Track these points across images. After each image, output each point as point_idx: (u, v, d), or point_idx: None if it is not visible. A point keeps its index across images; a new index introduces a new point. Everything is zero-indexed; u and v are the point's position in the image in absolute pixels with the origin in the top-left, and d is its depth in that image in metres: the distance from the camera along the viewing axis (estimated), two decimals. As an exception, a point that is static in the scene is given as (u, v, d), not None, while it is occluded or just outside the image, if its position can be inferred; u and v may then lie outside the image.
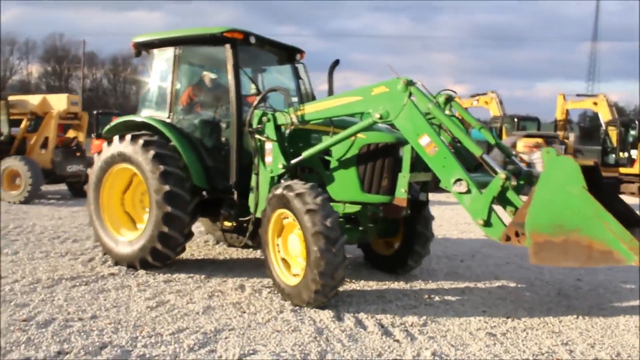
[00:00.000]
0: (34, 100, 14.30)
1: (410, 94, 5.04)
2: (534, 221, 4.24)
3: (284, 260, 5.45)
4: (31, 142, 14.09)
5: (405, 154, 5.41)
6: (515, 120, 23.27)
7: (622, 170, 19.49)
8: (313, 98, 7.12)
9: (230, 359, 3.92)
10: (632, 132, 20.20)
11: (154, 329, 4.49)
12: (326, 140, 5.62)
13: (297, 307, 5.16)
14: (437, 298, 5.71)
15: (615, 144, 20.45)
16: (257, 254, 7.57)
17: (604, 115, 21.90)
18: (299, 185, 5.12)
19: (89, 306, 5.02)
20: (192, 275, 6.22)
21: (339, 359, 4.01)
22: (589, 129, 48.70)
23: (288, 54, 7.27)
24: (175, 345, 4.13)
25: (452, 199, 6.68)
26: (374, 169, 5.59)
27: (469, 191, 4.72)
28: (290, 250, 5.39)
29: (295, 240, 5.25)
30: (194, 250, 7.72)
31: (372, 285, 6.12)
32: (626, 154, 19.75)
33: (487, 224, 4.66)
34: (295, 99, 7.13)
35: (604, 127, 21.76)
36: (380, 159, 5.57)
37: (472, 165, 5.27)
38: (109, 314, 4.84)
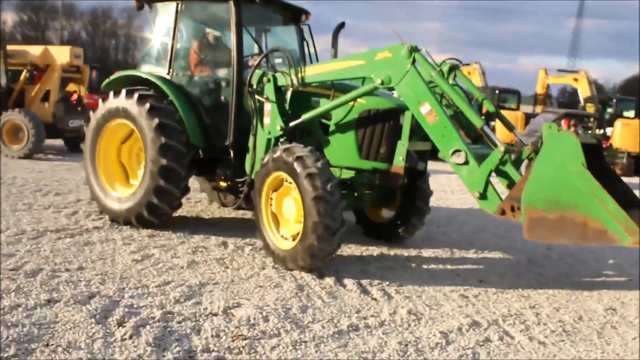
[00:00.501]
0: (34, 50, 13.76)
1: (414, 60, 4.95)
2: (529, 196, 4.18)
3: (276, 222, 5.41)
4: (31, 94, 13.64)
5: (405, 121, 5.34)
6: (497, 92, 23.50)
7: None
8: (316, 61, 7.04)
9: (215, 311, 4.08)
10: (609, 110, 20.63)
11: (140, 281, 4.63)
12: (326, 104, 5.57)
13: (279, 266, 5.33)
14: (413, 261, 5.94)
15: (592, 120, 20.85)
16: (239, 213, 7.70)
17: (583, 92, 22.29)
18: (298, 149, 5.06)
19: (74, 258, 5.11)
20: (175, 231, 6.33)
21: (318, 314, 4.20)
22: (567, 104, 49.26)
23: (293, 15, 7.13)
24: (161, 297, 4.28)
25: (432, 166, 6.88)
26: (372, 135, 5.53)
27: (466, 162, 4.66)
28: (285, 214, 5.31)
29: (291, 204, 5.19)
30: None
31: (352, 247, 6.31)
32: (602, 131, 20.18)
33: (483, 196, 4.60)
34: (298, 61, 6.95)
35: (582, 103, 22.13)
36: (380, 125, 5.52)
37: (472, 136, 5.31)
38: (95, 265, 4.95)
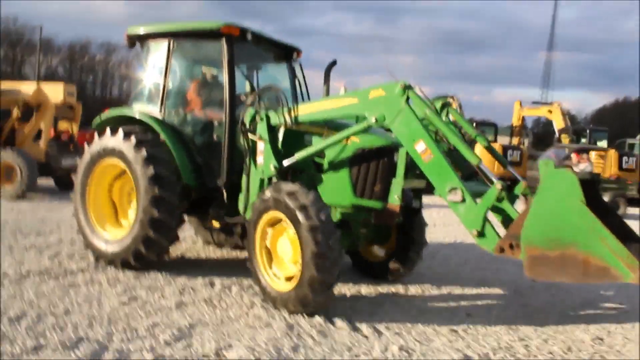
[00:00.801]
0: (26, 88, 13.52)
1: (408, 98, 4.94)
2: (529, 234, 4.13)
3: (269, 258, 5.30)
4: (23, 133, 13.32)
5: (400, 159, 5.30)
6: (474, 124, 23.91)
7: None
8: (308, 99, 7.12)
9: (206, 353, 4.04)
10: (583, 140, 21.15)
11: (129, 323, 4.56)
12: (320, 143, 5.52)
13: (267, 304, 5.31)
14: (401, 297, 5.95)
15: (566, 150, 21.31)
16: (224, 252, 7.67)
17: (558, 123, 22.82)
18: (288, 186, 5.05)
19: (60, 301, 5.03)
20: (161, 270, 6.26)
21: (310, 353, 4.18)
22: (542, 135, 50.37)
23: (284, 53, 7.16)
24: (151, 340, 4.22)
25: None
26: (367, 174, 5.48)
27: (463, 200, 4.60)
28: (280, 255, 5.20)
29: (286, 245, 5.10)
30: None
31: (338, 284, 6.30)
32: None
33: (481, 234, 4.53)
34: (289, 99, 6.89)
35: (557, 134, 22.67)
36: (374, 164, 5.47)
37: (466, 173, 5.18)
38: (81, 309, 4.87)
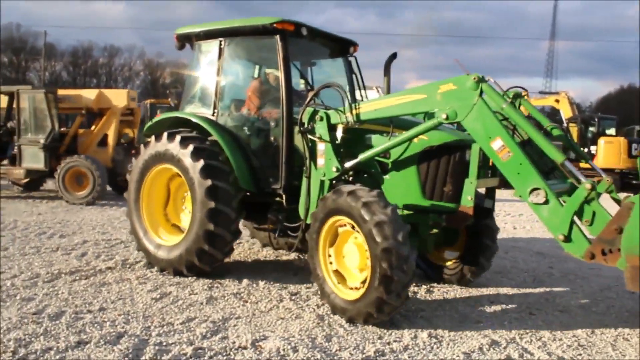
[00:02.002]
0: (88, 94, 13.71)
1: (482, 92, 4.59)
2: (632, 242, 3.76)
3: (336, 272, 4.98)
4: (87, 139, 13.50)
5: (473, 157, 4.92)
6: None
7: (582, 164, 20.39)
8: (365, 94, 6.87)
9: (244, 344, 4.17)
10: (592, 129, 21.20)
11: (164, 319, 4.70)
12: (384, 142, 5.18)
13: (295, 296, 5.44)
14: (424, 285, 6.07)
15: (576, 139, 21.34)
16: (245, 249, 7.80)
17: (565, 112, 22.82)
18: (364, 193, 4.63)
19: (94, 299, 5.18)
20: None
21: (343, 342, 4.31)
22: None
23: (340, 47, 6.85)
24: (188, 334, 4.35)
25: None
26: (436, 173, 5.14)
27: (547, 202, 4.23)
28: (346, 261, 4.93)
29: (353, 251, 4.81)
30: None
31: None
32: (586, 150, 20.67)
33: (568, 239, 4.18)
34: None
35: (565, 124, 22.66)
36: (444, 162, 5.13)
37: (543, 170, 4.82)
38: (115, 306, 5.01)
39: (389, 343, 4.30)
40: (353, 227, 4.71)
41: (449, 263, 6.14)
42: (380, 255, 4.37)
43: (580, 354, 4.27)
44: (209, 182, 5.64)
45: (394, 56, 6.28)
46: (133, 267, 6.43)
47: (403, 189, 5.23)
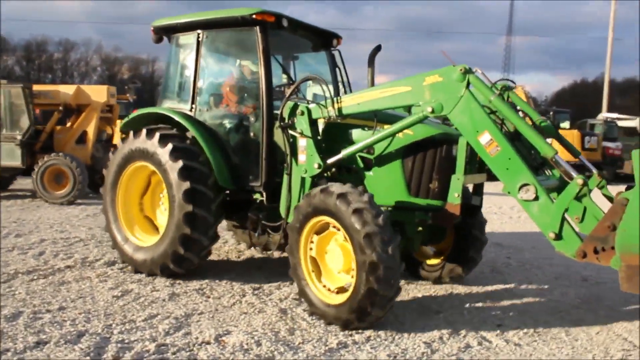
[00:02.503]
0: (66, 90, 13.20)
1: (469, 83, 4.38)
2: (627, 240, 3.58)
3: (316, 270, 4.76)
4: (64, 136, 13.04)
5: (460, 152, 4.68)
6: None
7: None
8: (349, 89, 6.60)
9: (207, 340, 4.17)
10: (547, 122, 21.72)
11: (125, 316, 4.65)
12: (369, 137, 4.95)
13: (258, 290, 5.46)
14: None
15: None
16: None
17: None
18: (355, 197, 4.37)
19: (53, 298, 5.07)
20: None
21: (306, 334, 4.35)
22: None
23: (323, 40, 6.60)
24: (150, 330, 4.32)
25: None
26: (422, 169, 4.96)
27: (537, 198, 4.08)
28: (329, 264, 4.72)
29: (336, 252, 4.63)
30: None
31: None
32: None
33: (559, 237, 4.03)
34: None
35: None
36: (430, 158, 4.94)
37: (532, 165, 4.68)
38: (75, 304, 4.93)
39: (351, 335, 4.36)
40: (339, 229, 4.51)
41: (435, 261, 5.98)
42: (368, 267, 4.17)
43: (535, 340, 4.42)
44: (187, 184, 5.45)
45: (378, 48, 5.98)
46: (93, 265, 6.33)
47: (387, 185, 5.06)
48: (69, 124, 13.39)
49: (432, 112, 4.49)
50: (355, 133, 5.27)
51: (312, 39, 6.55)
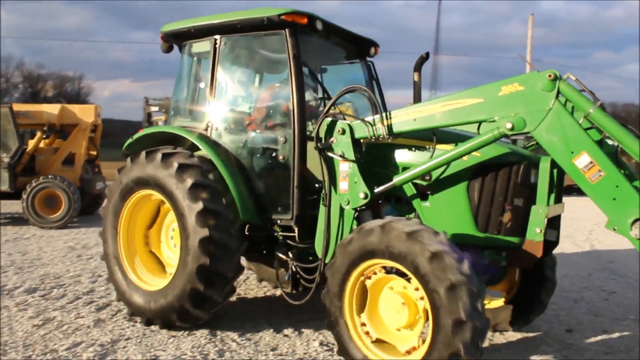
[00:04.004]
0: (51, 110, 12.59)
1: (559, 92, 3.60)
2: None
3: (377, 340, 3.86)
4: (47, 157, 12.41)
5: (542, 177, 3.90)
6: None
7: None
8: (383, 104, 5.68)
9: (133, 366, 4.09)
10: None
11: (47, 346, 4.48)
12: (424, 160, 4.18)
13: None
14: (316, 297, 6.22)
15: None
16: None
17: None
18: (428, 236, 3.55)
19: (-34, 330, 4.82)
20: (73, 289, 6.12)
21: (236, 355, 4.34)
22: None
23: (358, 48, 5.74)
24: None
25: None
26: (492, 198, 4.09)
27: None
28: (385, 321, 3.85)
29: (391, 305, 3.77)
30: (68, 264, 7.52)
31: (254, 289, 6.48)
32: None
33: None
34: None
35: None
36: (502, 184, 4.08)
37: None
38: (-8, 336, 4.70)
39: (281, 354, 4.39)
40: (388, 272, 3.78)
41: (496, 304, 5.03)
42: (445, 296, 3.38)
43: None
44: (200, 205, 4.57)
45: (426, 56, 5.07)
46: (12, 293, 6.04)
47: (449, 219, 4.19)
48: (44, 145, 12.88)
49: (512, 129, 3.67)
50: (403, 155, 4.48)
51: (346, 46, 5.68)
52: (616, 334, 5.08)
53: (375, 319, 3.86)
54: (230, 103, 5.33)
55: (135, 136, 5.48)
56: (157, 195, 4.94)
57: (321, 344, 4.64)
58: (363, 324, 3.87)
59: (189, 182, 4.61)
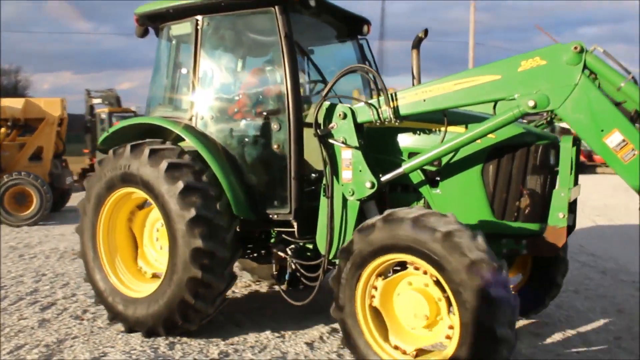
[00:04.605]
0: (13, 104, 11.96)
1: (585, 66, 3.32)
2: None
3: (378, 324, 3.66)
4: (12, 153, 11.80)
5: (564, 158, 3.68)
6: None
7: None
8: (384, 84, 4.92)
9: (81, 365, 4.00)
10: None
11: (-12, 350, 4.33)
12: (434, 144, 3.91)
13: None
14: (267, 284, 6.23)
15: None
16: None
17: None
18: (432, 215, 3.38)
19: None
20: (15, 290, 5.92)
21: (187, 347, 4.31)
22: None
23: (350, 26, 5.36)
24: (17, 362, 4.07)
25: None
26: (508, 183, 3.84)
27: None
28: (400, 318, 3.60)
29: (413, 300, 3.50)
30: (9, 265, 7.26)
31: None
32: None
33: None
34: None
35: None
36: (519, 167, 3.83)
37: None
38: None
39: (232, 344, 4.40)
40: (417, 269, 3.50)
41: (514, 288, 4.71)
42: (470, 293, 3.15)
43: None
44: (192, 212, 4.17)
45: (425, 33, 4.57)
46: (-52, 297, 5.79)
47: (463, 206, 3.91)
48: (6, 140, 12.28)
49: (534, 107, 3.39)
50: (408, 139, 4.19)
51: (337, 25, 5.32)
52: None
53: (390, 316, 3.63)
54: (216, 90, 4.93)
55: (112, 129, 5.11)
56: (141, 194, 4.55)
57: (273, 331, 4.66)
58: (373, 297, 3.62)
59: (180, 185, 4.20)
